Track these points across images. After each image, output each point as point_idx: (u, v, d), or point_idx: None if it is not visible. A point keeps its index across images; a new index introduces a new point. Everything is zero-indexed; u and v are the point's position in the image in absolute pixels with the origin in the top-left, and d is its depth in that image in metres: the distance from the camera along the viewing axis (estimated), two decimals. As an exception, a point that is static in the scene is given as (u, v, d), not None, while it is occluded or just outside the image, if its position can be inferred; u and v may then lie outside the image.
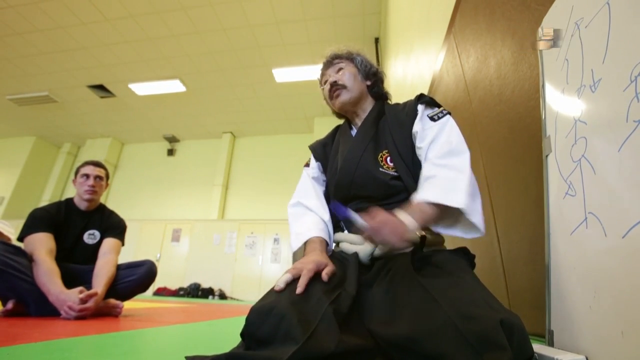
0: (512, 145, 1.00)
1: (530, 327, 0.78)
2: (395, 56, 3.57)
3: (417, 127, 0.82)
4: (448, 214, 0.70)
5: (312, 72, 5.91)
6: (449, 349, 0.42)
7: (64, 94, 6.87)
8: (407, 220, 0.65)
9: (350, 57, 0.97)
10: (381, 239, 0.63)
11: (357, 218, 0.67)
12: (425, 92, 2.08)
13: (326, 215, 0.87)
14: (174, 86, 6.54)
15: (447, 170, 0.71)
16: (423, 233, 0.68)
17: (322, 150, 0.99)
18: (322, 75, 0.98)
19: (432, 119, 0.81)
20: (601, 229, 0.50)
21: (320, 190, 0.94)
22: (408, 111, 0.86)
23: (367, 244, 0.73)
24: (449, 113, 0.82)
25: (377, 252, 0.72)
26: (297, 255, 0.86)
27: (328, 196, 0.92)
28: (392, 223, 0.64)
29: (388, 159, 0.83)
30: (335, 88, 0.92)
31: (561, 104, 0.65)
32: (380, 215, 0.65)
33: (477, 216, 0.67)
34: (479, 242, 1.29)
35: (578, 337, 0.54)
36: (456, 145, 0.75)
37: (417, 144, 0.82)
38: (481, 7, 1.19)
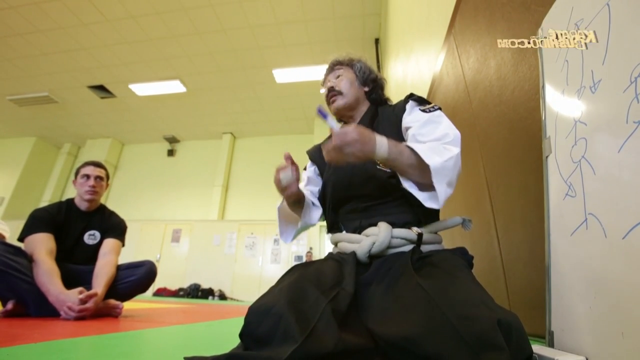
0: (512, 146, 1.00)
1: (530, 328, 0.78)
2: (396, 57, 3.57)
3: (406, 120, 0.84)
4: (420, 172, 0.70)
5: (312, 72, 5.92)
6: (447, 349, 0.42)
7: (65, 94, 6.88)
8: (380, 138, 0.68)
9: (350, 64, 1.00)
10: (345, 142, 0.65)
11: (333, 122, 0.71)
12: (425, 93, 2.09)
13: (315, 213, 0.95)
14: (174, 87, 6.55)
15: (439, 144, 0.72)
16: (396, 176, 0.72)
17: (319, 153, 1.01)
18: (324, 80, 1.03)
19: (423, 111, 0.83)
20: (601, 230, 0.50)
21: (313, 190, 0.99)
22: (397, 110, 0.89)
23: (363, 241, 0.74)
24: (440, 108, 0.83)
25: (375, 249, 0.72)
26: (280, 211, 0.96)
27: (324, 199, 0.94)
28: (363, 132, 0.67)
29: None
30: (332, 94, 0.96)
31: (561, 105, 0.65)
32: (358, 127, 0.67)
33: (441, 185, 0.66)
34: (479, 243, 1.29)
35: (578, 338, 0.54)
36: (453, 138, 0.75)
37: (407, 126, 0.83)
38: (481, 8, 1.20)
